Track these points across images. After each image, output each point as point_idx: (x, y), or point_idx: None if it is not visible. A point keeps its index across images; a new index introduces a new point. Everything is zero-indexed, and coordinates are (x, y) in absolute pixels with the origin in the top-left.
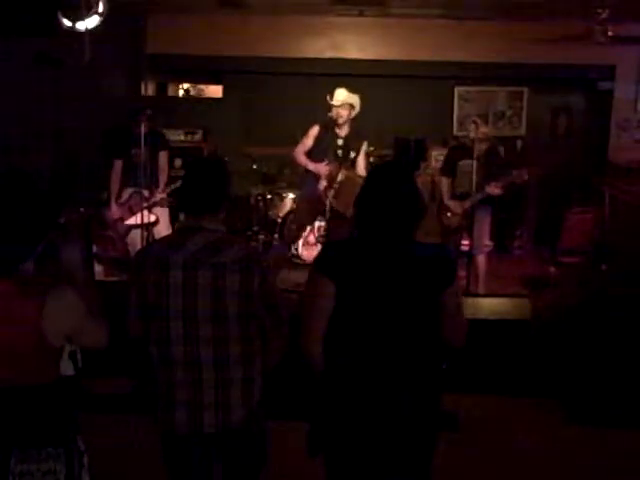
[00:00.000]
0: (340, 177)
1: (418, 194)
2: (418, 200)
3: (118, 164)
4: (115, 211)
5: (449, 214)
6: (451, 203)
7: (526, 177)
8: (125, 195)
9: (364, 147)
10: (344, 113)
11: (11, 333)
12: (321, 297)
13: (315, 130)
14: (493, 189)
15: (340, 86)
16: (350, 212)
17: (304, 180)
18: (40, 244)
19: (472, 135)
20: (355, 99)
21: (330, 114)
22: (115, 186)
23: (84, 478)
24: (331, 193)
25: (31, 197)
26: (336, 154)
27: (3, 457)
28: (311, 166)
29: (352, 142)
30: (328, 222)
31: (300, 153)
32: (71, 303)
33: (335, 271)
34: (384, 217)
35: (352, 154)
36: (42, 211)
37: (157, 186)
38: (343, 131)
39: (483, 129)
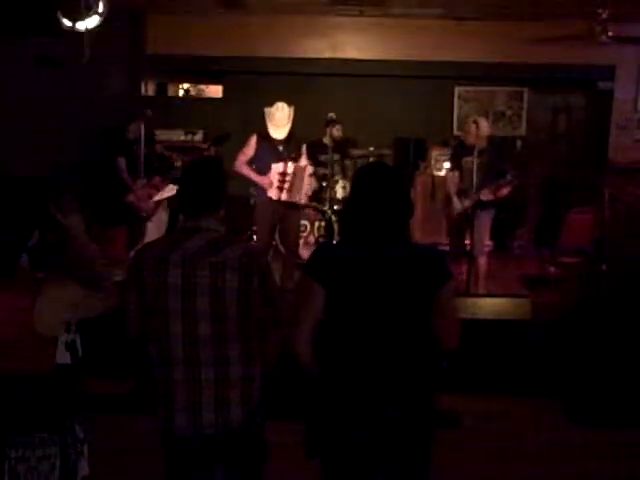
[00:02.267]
0: (290, 169)
1: (404, 190)
2: (404, 196)
3: (122, 161)
4: (141, 193)
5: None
6: (455, 199)
7: (516, 183)
8: (142, 181)
9: (303, 149)
10: (286, 130)
11: (5, 325)
12: (311, 299)
13: (254, 140)
14: (486, 195)
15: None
16: (303, 197)
17: (255, 191)
18: (28, 240)
19: (473, 134)
20: (290, 114)
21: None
22: (127, 176)
23: (81, 465)
24: (285, 187)
25: (13, 198)
26: (281, 158)
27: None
28: (256, 178)
29: (291, 145)
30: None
31: (242, 164)
32: (61, 297)
33: (325, 274)
34: (371, 216)
35: (293, 154)
36: (27, 209)
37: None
38: (281, 137)
39: (484, 124)
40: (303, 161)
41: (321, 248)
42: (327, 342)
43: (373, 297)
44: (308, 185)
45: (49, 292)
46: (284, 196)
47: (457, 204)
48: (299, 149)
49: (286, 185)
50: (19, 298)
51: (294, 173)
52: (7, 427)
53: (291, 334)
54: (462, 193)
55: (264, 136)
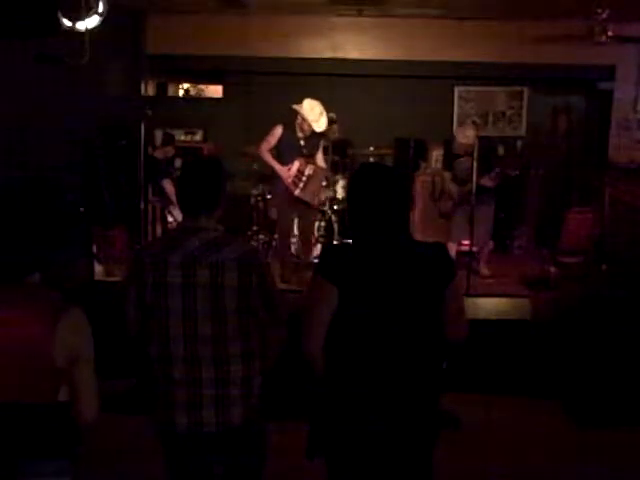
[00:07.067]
0: (308, 171)
1: (405, 187)
2: (406, 193)
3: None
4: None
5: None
6: (452, 186)
7: (516, 172)
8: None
9: (322, 143)
10: (312, 129)
11: (14, 347)
12: (324, 301)
13: (279, 130)
14: (486, 181)
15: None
16: (316, 200)
17: (273, 180)
18: (50, 255)
19: (458, 142)
20: (325, 118)
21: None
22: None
23: None
24: (300, 185)
25: (49, 207)
26: (300, 152)
27: (9, 469)
28: (277, 167)
29: (312, 140)
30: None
31: (265, 151)
32: (83, 324)
33: (338, 276)
34: (377, 216)
35: (313, 150)
36: (55, 222)
37: None
38: (322, 129)
39: (468, 132)
40: (319, 155)
41: (331, 249)
42: (336, 342)
43: (387, 297)
44: (322, 188)
45: (76, 319)
46: (297, 192)
47: (454, 188)
48: (317, 146)
49: (301, 184)
50: (33, 322)
51: (310, 175)
52: (19, 454)
53: (304, 336)
54: (462, 182)
55: (289, 129)
